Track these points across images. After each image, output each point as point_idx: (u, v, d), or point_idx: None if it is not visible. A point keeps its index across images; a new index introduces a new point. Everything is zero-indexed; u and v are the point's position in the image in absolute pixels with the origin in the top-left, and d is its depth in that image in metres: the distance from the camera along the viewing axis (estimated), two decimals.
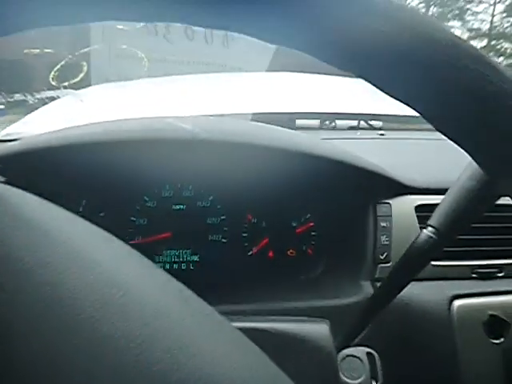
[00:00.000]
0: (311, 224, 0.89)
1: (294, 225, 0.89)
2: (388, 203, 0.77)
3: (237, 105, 1.49)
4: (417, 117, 0.24)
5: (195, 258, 0.87)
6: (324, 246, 0.87)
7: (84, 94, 1.29)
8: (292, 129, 1.41)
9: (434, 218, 0.51)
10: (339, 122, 1.72)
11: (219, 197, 0.87)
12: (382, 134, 1.33)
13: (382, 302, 0.59)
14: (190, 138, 0.61)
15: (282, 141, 0.68)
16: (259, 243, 0.87)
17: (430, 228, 0.51)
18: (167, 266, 0.86)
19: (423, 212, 0.76)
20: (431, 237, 0.51)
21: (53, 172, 0.75)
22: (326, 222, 0.88)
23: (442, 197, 0.73)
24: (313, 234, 0.89)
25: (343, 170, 0.74)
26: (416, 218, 0.76)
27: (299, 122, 1.60)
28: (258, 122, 1.39)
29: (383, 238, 0.74)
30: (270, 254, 0.88)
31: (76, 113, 1.23)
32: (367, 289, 0.73)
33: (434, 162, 0.90)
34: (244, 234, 0.88)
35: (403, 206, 0.78)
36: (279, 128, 0.81)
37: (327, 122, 1.70)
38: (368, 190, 0.79)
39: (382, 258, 0.73)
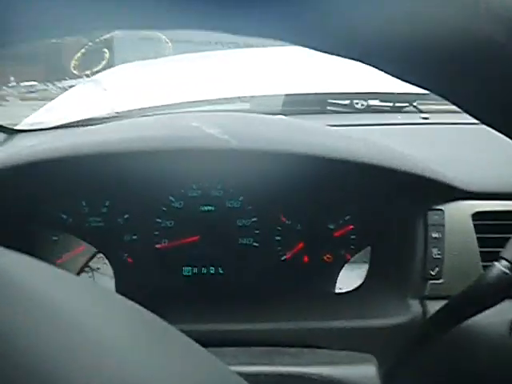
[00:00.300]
0: (351, 227, 0.81)
1: (332, 227, 0.81)
2: (441, 210, 0.68)
3: (268, 84, 1.39)
4: None
5: (224, 263, 0.81)
6: (365, 253, 0.79)
7: (105, 80, 1.22)
8: (324, 111, 1.32)
9: (509, 250, 0.43)
10: (373, 103, 1.59)
11: (250, 197, 0.80)
12: (425, 118, 1.21)
13: (437, 331, 0.52)
14: (220, 147, 0.54)
15: (317, 147, 0.60)
16: (293, 248, 0.81)
17: (503, 261, 0.43)
18: (195, 271, 0.81)
19: (482, 220, 0.67)
20: (506, 273, 0.42)
21: (74, 173, 0.70)
22: (367, 226, 0.80)
23: (505, 203, 0.64)
24: (352, 237, 0.81)
25: (387, 174, 0.66)
26: (473, 227, 0.67)
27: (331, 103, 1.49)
28: (289, 102, 1.33)
29: (435, 251, 0.66)
30: (305, 259, 0.81)
31: (98, 101, 1.18)
32: (415, 308, 0.65)
33: (492, 157, 0.79)
34: (277, 238, 0.81)
35: (458, 214, 0.68)
36: (312, 126, 0.72)
37: (360, 104, 1.57)
38: (417, 195, 0.70)
39: (432, 273, 0.65)
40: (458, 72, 0.19)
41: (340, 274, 0.79)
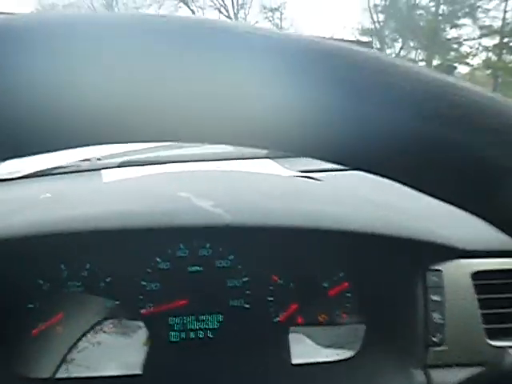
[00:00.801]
0: (346, 284, 0.78)
1: (326, 285, 0.78)
2: (439, 270, 0.66)
3: None
4: None
5: (214, 326, 0.76)
6: (360, 314, 0.76)
7: None
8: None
9: None
10: None
11: (240, 256, 0.77)
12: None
13: None
14: (214, 224, 0.51)
15: (314, 219, 0.57)
16: (287, 308, 0.77)
17: None
18: (182, 336, 0.76)
19: (483, 280, 0.65)
20: None
21: (51, 238, 0.66)
22: (362, 284, 0.77)
23: (503, 260, 0.61)
24: (348, 295, 0.78)
25: (381, 240, 0.64)
26: (474, 287, 0.65)
27: None
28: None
29: (436, 315, 0.63)
30: (299, 320, 0.77)
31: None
32: (419, 378, 0.62)
33: None
34: (269, 298, 0.77)
35: (457, 274, 0.66)
36: (306, 187, 0.70)
37: None
38: (414, 257, 0.68)
39: (434, 339, 0.62)
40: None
41: (334, 339, 0.75)
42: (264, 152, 1.26)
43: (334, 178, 0.93)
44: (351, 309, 0.78)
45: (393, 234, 0.60)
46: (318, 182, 0.79)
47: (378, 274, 0.73)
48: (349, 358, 0.71)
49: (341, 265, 0.78)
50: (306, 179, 0.79)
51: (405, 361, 0.63)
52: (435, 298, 0.64)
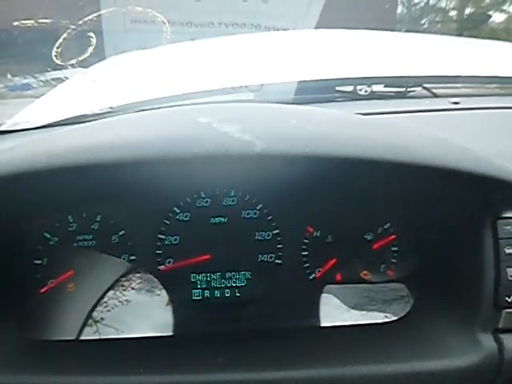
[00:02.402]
0: (392, 237, 0.68)
1: (369, 238, 0.68)
2: None
3: (274, 71, 1.25)
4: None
5: (241, 284, 0.68)
6: (411, 269, 0.66)
7: (97, 72, 1.08)
8: (333, 99, 1.16)
9: None
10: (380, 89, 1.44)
11: (270, 205, 0.67)
12: (455, 103, 1.06)
13: None
14: (242, 152, 0.41)
15: (364, 145, 0.45)
16: (324, 264, 0.67)
17: None
18: (206, 294, 0.68)
19: None
20: None
21: (57, 184, 0.57)
22: (413, 236, 0.66)
23: None
24: (394, 249, 0.68)
25: (443, 174, 0.51)
26: None
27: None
28: (300, 90, 1.18)
29: (509, 271, 0.52)
30: (338, 277, 0.68)
31: (90, 96, 1.04)
32: (488, 344, 0.51)
33: None
34: (304, 253, 0.67)
35: None
36: (349, 116, 0.58)
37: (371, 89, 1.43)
38: (482, 200, 0.56)
39: (508, 300, 0.52)
40: None
41: (379, 298, 0.65)
42: (290, 98, 1.14)
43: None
44: (398, 265, 0.67)
45: (458, 167, 0.48)
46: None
47: (435, 224, 0.62)
48: (398, 320, 0.62)
49: (388, 214, 0.67)
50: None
51: (470, 324, 0.53)
52: (509, 250, 0.53)
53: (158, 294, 0.67)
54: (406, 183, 0.59)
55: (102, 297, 0.66)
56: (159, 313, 0.67)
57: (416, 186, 0.60)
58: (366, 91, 1.42)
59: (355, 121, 0.54)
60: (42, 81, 0.99)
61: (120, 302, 0.67)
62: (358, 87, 1.48)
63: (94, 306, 0.66)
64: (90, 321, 0.65)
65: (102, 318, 0.65)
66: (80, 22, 0.95)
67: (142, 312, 0.66)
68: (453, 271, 0.58)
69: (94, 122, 0.57)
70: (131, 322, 0.65)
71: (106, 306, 0.66)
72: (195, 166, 0.46)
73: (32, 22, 0.95)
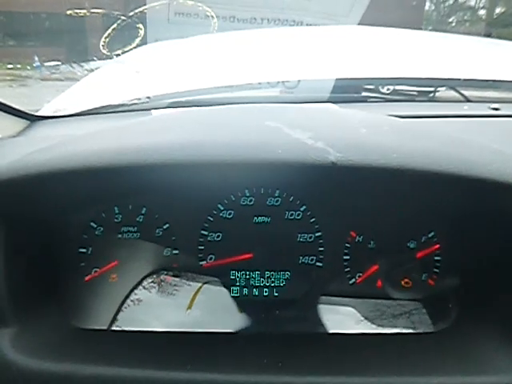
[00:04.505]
0: (436, 246, 0.67)
1: (413, 246, 0.67)
2: None
3: (313, 67, 1.23)
4: None
5: (280, 284, 0.68)
6: (454, 280, 0.65)
7: (134, 60, 1.08)
8: (364, 100, 1.14)
9: None
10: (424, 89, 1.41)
11: (313, 207, 0.66)
12: (495, 109, 1.04)
13: None
14: (318, 161, 0.40)
15: (432, 156, 0.45)
16: (365, 270, 0.67)
17: None
18: (245, 292, 0.68)
19: None
20: None
21: (104, 178, 0.57)
22: (458, 248, 0.65)
23: None
24: (437, 259, 0.67)
25: (488, 186, 0.50)
26: None
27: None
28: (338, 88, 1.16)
29: None
30: (379, 284, 0.67)
31: (127, 84, 1.04)
32: None
33: None
34: (345, 257, 0.67)
35: None
36: (411, 128, 0.57)
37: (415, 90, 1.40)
38: None
39: None
40: None
41: (419, 308, 0.65)
42: (326, 96, 1.13)
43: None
44: (440, 275, 0.66)
45: (503, 179, 0.47)
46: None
47: (479, 233, 0.61)
48: (440, 331, 0.61)
49: (433, 223, 0.66)
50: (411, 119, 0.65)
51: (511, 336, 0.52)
52: None
53: (190, 290, 0.68)
54: (457, 197, 0.58)
55: (135, 288, 0.67)
56: (193, 309, 0.67)
57: (466, 200, 0.59)
58: (390, 90, 1.39)
59: (419, 131, 0.53)
60: (86, 69, 1.00)
61: (150, 295, 0.67)
62: (386, 87, 1.45)
63: (126, 297, 0.67)
64: (124, 311, 0.66)
65: (131, 311, 0.66)
66: (130, 14, 0.96)
67: (172, 307, 0.67)
68: (495, 288, 0.57)
69: (147, 118, 0.57)
70: (163, 316, 0.66)
71: (136, 299, 0.67)
72: (258, 169, 0.46)
73: (85, 11, 0.96)
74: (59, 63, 1.05)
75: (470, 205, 0.58)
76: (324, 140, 0.41)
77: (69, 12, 0.95)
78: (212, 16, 1.08)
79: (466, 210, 0.61)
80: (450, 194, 0.54)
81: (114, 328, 0.63)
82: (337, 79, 1.17)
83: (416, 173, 0.42)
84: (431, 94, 1.38)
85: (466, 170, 0.44)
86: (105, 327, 0.64)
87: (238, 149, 0.43)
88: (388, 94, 1.40)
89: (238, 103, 0.88)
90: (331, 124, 0.49)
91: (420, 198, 0.60)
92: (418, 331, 0.61)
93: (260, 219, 0.67)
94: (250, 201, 0.67)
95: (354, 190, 0.58)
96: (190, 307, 0.66)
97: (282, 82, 1.15)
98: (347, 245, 0.67)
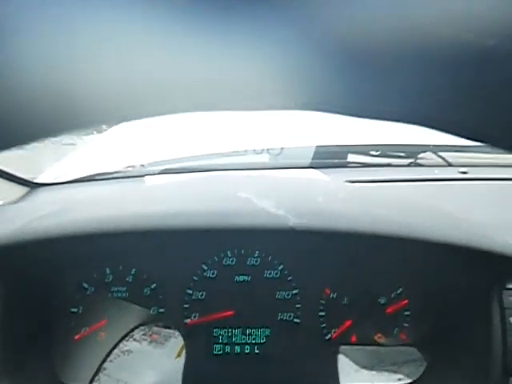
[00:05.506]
0: (405, 302, 0.72)
1: (383, 302, 0.72)
2: None
3: (289, 136, 1.34)
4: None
5: (261, 341, 0.72)
6: (422, 335, 0.69)
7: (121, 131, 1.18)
8: (345, 165, 1.24)
9: None
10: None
11: (290, 265, 0.72)
12: (464, 172, 1.12)
13: None
14: (277, 226, 0.47)
15: (382, 222, 0.52)
16: (340, 326, 0.71)
17: None
18: (227, 349, 0.71)
19: None
20: None
21: (98, 242, 0.63)
22: (425, 302, 0.70)
23: None
24: (406, 313, 0.72)
25: (451, 249, 0.57)
26: None
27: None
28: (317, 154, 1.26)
29: None
30: (353, 338, 0.71)
31: (125, 153, 1.14)
32: None
33: None
34: (321, 313, 0.72)
35: None
36: (368, 195, 0.65)
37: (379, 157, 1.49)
38: (488, 272, 0.61)
39: None
40: None
41: (392, 361, 0.68)
42: (308, 162, 1.22)
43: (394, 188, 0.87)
44: (411, 329, 0.71)
45: (468, 244, 0.54)
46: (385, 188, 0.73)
47: (445, 292, 0.66)
48: (411, 383, 0.64)
49: (401, 280, 0.71)
50: (368, 184, 0.73)
51: None
52: None
53: (174, 347, 0.71)
54: (420, 256, 0.65)
55: (120, 346, 0.71)
56: (172, 364, 0.70)
57: (428, 259, 0.65)
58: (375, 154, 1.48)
59: (375, 199, 0.61)
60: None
61: (132, 352, 0.70)
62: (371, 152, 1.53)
63: (107, 355, 0.70)
64: (102, 370, 0.69)
65: (111, 367, 0.68)
66: None
67: (154, 362, 0.70)
68: (463, 338, 0.62)
69: (140, 187, 0.65)
70: (143, 372, 0.69)
71: (118, 356, 0.70)
72: (232, 234, 0.53)
73: None
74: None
75: (428, 264, 0.65)
76: (285, 208, 0.48)
77: None
78: None
79: (427, 268, 0.67)
80: (401, 255, 0.60)
81: None
82: (317, 146, 1.28)
83: (364, 236, 0.49)
84: (411, 160, 1.47)
85: (408, 233, 0.50)
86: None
87: (213, 216, 0.50)
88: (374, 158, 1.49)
89: (225, 170, 0.97)
90: (294, 193, 0.56)
91: (379, 257, 0.66)
92: (389, 383, 0.65)
93: (241, 278, 0.72)
94: (232, 261, 0.72)
95: (322, 250, 0.65)
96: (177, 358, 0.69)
97: (267, 149, 1.25)
98: (322, 301, 0.72)
